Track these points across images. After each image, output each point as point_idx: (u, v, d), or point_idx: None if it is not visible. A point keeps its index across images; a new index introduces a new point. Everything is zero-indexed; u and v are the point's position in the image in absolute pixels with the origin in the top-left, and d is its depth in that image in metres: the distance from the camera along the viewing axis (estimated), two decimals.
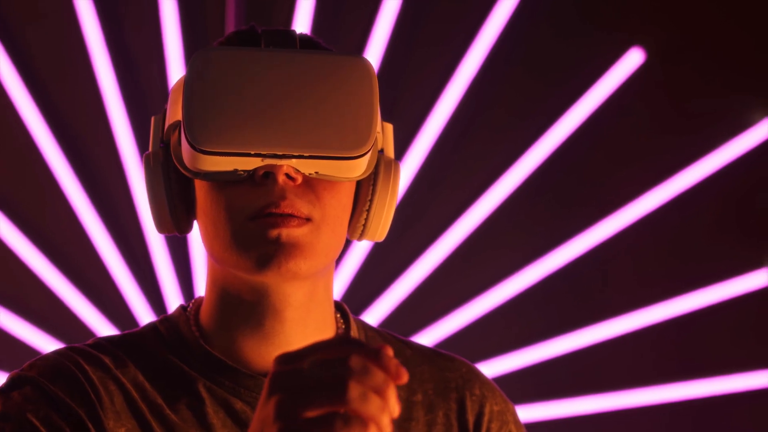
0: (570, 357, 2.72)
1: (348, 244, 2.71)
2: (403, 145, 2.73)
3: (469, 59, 2.74)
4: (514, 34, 2.76)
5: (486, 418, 1.31)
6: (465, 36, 2.75)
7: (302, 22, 2.69)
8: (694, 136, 2.76)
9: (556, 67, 2.79)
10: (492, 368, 2.70)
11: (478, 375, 1.36)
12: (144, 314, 2.67)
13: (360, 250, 2.73)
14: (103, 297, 2.69)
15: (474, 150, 2.78)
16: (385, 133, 1.28)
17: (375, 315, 2.73)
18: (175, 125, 1.23)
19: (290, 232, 1.17)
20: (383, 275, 2.75)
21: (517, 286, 2.74)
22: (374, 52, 2.72)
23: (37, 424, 1.15)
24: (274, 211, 1.17)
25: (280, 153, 1.16)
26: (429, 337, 2.71)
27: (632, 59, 2.74)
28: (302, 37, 1.27)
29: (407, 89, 2.76)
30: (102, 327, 2.66)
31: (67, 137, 2.71)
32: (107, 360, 1.22)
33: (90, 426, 1.16)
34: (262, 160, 1.16)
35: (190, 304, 1.30)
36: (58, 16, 2.71)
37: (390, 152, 1.29)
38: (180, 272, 2.69)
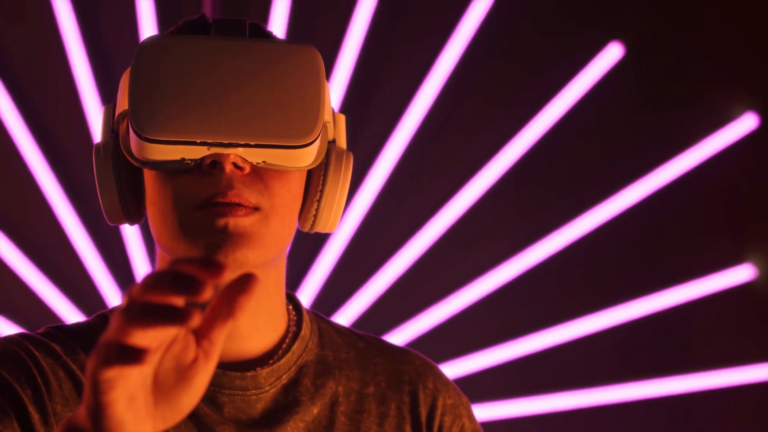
0: (553, 351, 2.72)
1: (326, 238, 2.71)
2: (382, 137, 2.72)
3: (448, 52, 2.73)
4: (494, 27, 2.75)
5: (439, 412, 1.31)
6: (444, 29, 2.74)
7: (279, 17, 2.69)
8: (675, 129, 2.76)
9: (535, 61, 2.78)
10: (474, 363, 2.69)
11: (432, 368, 1.35)
12: (117, 304, 2.66)
13: (338, 242, 2.73)
14: (77, 288, 2.69)
15: (454, 143, 2.77)
16: (337, 124, 1.27)
17: (355, 308, 2.73)
18: (124, 114, 1.22)
19: (237, 222, 1.16)
20: (363, 267, 2.75)
21: (499, 279, 2.73)
22: (353, 44, 2.71)
23: None
24: (221, 200, 1.16)
25: (226, 142, 1.15)
26: (409, 331, 2.70)
27: (612, 53, 2.73)
28: (253, 25, 1.26)
29: (386, 82, 2.75)
30: (73, 317, 2.65)
31: (42, 130, 2.70)
32: (57, 347, 1.22)
33: (32, 409, 1.16)
34: (209, 149, 1.15)
35: None
36: (34, 13, 2.70)
37: (342, 142, 1.27)
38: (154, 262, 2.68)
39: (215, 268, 0.87)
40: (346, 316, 2.72)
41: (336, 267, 2.74)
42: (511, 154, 2.74)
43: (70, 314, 2.67)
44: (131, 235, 2.68)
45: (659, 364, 2.73)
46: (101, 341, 0.89)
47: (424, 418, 1.29)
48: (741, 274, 2.72)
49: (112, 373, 0.87)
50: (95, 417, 0.90)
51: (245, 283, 0.90)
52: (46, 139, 2.70)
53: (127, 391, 0.89)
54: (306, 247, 2.72)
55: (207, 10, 2.63)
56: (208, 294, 0.86)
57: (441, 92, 2.74)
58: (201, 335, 0.93)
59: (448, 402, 1.32)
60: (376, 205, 2.74)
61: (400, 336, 2.70)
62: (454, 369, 2.68)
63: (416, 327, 2.72)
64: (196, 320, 0.86)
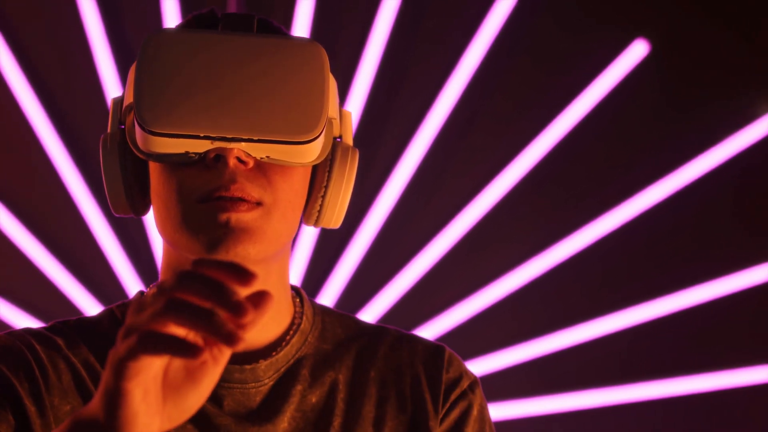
0: (572, 351, 2.71)
1: (350, 237, 2.71)
2: (406, 137, 2.72)
3: (472, 51, 2.73)
4: (518, 25, 2.74)
5: (442, 390, 1.30)
6: (468, 27, 2.74)
7: (303, 16, 2.70)
8: (698, 128, 2.74)
9: (559, 59, 2.77)
10: (495, 362, 2.69)
11: (437, 349, 1.35)
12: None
13: (362, 240, 2.73)
14: (99, 281, 2.71)
15: (477, 142, 2.77)
16: (343, 120, 1.28)
17: (378, 307, 2.73)
18: (131, 107, 1.23)
19: (240, 217, 1.17)
20: (387, 266, 2.75)
21: (520, 279, 2.73)
22: (376, 43, 2.71)
23: None
24: (223, 194, 1.17)
25: (230, 136, 1.16)
26: (431, 330, 2.71)
27: (636, 51, 2.72)
28: (261, 21, 1.27)
29: (410, 81, 2.75)
30: (94, 311, 2.66)
31: (65, 123, 2.72)
32: (60, 341, 1.24)
33: (29, 402, 1.18)
34: (212, 143, 1.16)
35: (149, 288, 1.31)
36: (58, 7, 2.72)
37: (348, 139, 1.28)
38: None
39: (246, 276, 0.90)
40: (369, 314, 2.73)
41: (360, 266, 2.75)
42: (534, 154, 2.73)
43: (91, 308, 2.69)
44: (154, 227, 2.69)
45: (678, 364, 2.71)
46: (130, 326, 0.90)
47: (428, 399, 1.29)
48: (761, 273, 2.70)
49: (143, 360, 0.90)
50: (111, 404, 0.91)
51: (260, 300, 0.91)
52: (69, 133, 2.72)
53: (146, 381, 0.91)
54: (331, 246, 2.73)
55: (232, 8, 2.64)
56: (248, 315, 0.89)
57: (464, 92, 2.74)
58: (212, 340, 0.94)
59: (453, 382, 1.31)
60: (400, 203, 2.74)
61: (422, 334, 2.70)
62: (475, 368, 2.68)
63: (438, 326, 2.72)
64: (239, 341, 0.88)
